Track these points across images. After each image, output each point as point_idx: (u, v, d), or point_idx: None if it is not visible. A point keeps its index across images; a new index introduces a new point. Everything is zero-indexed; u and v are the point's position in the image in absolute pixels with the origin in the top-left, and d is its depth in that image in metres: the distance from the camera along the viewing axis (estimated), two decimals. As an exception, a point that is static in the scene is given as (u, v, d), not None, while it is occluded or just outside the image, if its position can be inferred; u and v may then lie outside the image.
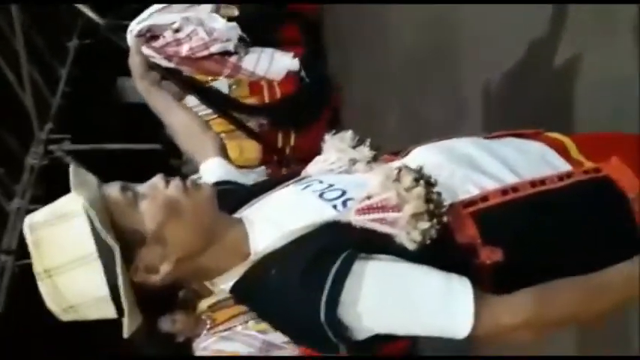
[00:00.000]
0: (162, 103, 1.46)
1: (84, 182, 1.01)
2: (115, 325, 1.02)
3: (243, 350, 2.93)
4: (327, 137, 1.17)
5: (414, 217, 0.93)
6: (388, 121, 3.54)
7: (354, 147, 1.13)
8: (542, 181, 1.05)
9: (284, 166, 3.74)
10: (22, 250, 3.22)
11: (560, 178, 1.07)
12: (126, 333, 1.00)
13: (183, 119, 1.43)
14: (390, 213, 0.95)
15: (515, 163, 1.08)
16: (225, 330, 2.95)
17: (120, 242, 0.96)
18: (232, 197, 1.12)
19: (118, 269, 0.95)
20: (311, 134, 3.91)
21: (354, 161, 1.12)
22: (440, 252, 0.95)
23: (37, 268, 0.98)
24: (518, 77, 2.43)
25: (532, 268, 0.99)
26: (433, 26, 3.10)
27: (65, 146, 3.81)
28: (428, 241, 0.94)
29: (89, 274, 0.96)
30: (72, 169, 1.02)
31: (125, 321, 0.99)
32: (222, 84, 3.38)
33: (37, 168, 3.70)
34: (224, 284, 1.04)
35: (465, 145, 1.12)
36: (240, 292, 1.04)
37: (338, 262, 0.91)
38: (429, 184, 0.96)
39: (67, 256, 0.96)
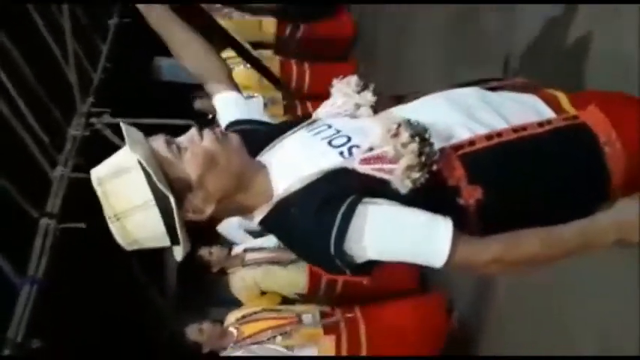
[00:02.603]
0: (165, 21, 1.43)
1: (135, 139, 1.16)
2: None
3: None
4: (335, 82, 1.30)
5: (408, 168, 1.08)
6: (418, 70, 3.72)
7: (358, 92, 1.27)
8: (524, 127, 1.18)
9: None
10: (63, 214, 3.43)
11: (541, 124, 1.19)
12: (179, 257, 1.21)
13: (188, 39, 1.42)
14: (388, 164, 1.10)
15: (508, 112, 1.20)
16: (253, 343, 3.02)
17: (171, 189, 1.14)
18: (253, 139, 1.28)
19: (175, 213, 1.14)
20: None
21: (358, 106, 1.26)
22: (431, 194, 1.11)
23: (108, 213, 1.16)
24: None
25: (513, 209, 1.14)
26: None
27: (105, 119, 4.00)
28: (418, 186, 1.09)
29: (149, 216, 1.15)
30: (124, 127, 1.16)
31: (179, 248, 1.19)
32: (258, 102, 2.86)
33: (79, 139, 3.89)
34: (257, 218, 1.23)
35: (466, 94, 1.26)
36: (268, 225, 1.23)
37: (344, 205, 1.09)
38: (424, 140, 1.09)
39: (130, 204, 1.14)
